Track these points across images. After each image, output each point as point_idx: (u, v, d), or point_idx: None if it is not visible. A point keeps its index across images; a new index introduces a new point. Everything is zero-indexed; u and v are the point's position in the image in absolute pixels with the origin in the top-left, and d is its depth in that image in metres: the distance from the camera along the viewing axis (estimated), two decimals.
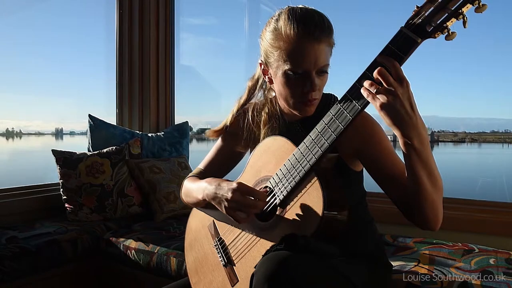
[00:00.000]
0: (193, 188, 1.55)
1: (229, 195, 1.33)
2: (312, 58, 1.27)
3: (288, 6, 1.35)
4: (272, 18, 1.37)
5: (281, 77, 1.33)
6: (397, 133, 1.08)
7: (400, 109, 1.04)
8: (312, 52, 1.26)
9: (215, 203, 1.41)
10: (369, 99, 1.08)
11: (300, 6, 1.34)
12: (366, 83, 1.08)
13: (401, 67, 1.05)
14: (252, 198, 1.32)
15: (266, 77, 1.45)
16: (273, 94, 1.50)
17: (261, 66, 1.45)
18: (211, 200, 1.42)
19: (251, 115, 1.56)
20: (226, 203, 1.35)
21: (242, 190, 1.32)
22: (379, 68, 1.06)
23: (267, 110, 1.53)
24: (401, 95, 1.04)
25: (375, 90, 1.06)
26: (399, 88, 1.04)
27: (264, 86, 1.58)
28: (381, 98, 1.05)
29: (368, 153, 1.35)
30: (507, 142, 3.68)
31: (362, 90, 1.09)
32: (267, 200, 1.34)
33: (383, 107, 1.05)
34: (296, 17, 1.28)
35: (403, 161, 1.17)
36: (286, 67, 1.30)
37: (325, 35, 1.28)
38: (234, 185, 1.34)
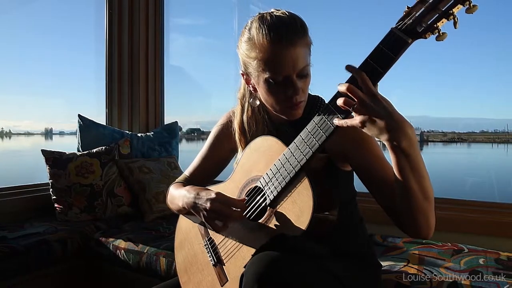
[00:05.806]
0: (176, 195, 1.56)
1: (208, 205, 1.33)
2: (290, 62, 1.24)
3: (259, 13, 1.33)
4: (245, 28, 1.35)
5: (263, 86, 1.32)
6: (384, 140, 1.05)
7: (378, 120, 1.01)
8: (288, 57, 1.24)
9: (195, 212, 1.42)
10: (347, 122, 1.06)
11: (270, 11, 1.32)
12: (340, 101, 1.06)
13: (369, 80, 1.03)
14: (232, 208, 1.32)
15: (250, 86, 1.44)
16: (258, 102, 1.48)
17: (243, 76, 1.44)
18: (190, 209, 1.43)
19: (236, 124, 1.56)
20: (204, 212, 1.36)
21: (220, 200, 1.33)
22: (347, 85, 1.04)
23: (253, 118, 1.53)
24: (376, 107, 1.02)
25: (351, 107, 1.05)
26: (372, 103, 1.02)
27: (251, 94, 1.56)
28: (358, 118, 1.04)
29: (357, 158, 1.33)
30: (496, 142, 3.70)
31: (335, 120, 1.09)
32: (257, 199, 1.33)
33: (363, 124, 1.03)
34: (267, 24, 1.26)
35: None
36: (266, 75, 1.28)
37: (299, 36, 1.25)
38: (213, 195, 1.34)
